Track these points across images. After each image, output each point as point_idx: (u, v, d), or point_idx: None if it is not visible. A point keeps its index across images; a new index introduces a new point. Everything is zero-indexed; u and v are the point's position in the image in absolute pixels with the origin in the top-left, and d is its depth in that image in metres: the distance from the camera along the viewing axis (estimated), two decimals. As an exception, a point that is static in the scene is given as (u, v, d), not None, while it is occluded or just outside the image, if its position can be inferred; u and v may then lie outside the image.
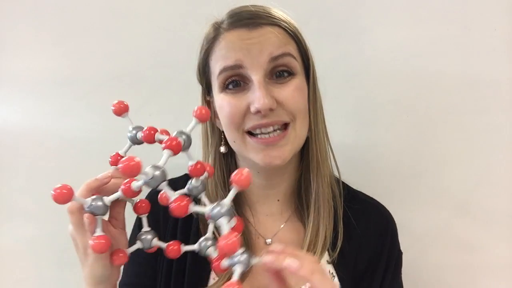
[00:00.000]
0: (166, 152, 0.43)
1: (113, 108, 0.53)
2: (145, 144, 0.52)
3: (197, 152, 0.71)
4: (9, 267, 0.98)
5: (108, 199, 0.47)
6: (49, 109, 0.95)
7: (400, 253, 0.73)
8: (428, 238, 0.91)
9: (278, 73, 0.61)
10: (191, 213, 0.69)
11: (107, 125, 0.92)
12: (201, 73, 0.68)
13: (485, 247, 0.89)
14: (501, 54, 0.86)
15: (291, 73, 0.62)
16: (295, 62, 0.62)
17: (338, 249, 0.66)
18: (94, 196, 0.47)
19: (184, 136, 0.46)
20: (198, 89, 0.74)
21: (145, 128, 0.50)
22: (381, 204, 0.75)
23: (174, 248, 0.52)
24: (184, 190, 0.50)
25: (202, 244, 0.50)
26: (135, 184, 0.44)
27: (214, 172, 0.69)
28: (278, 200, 0.71)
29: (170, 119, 0.92)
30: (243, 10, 0.63)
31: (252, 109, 0.59)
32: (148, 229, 0.53)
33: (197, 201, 0.73)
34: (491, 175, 0.89)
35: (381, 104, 0.92)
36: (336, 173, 0.73)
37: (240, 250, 0.42)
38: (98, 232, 0.47)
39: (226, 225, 0.41)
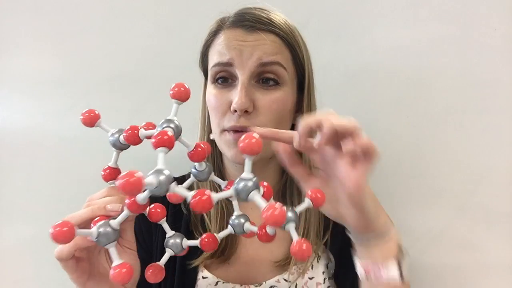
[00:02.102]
0: (161, 151, 0.38)
1: (81, 117, 0.47)
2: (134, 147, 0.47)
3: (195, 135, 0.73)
4: (9, 267, 0.98)
5: (115, 223, 0.41)
6: (49, 109, 0.95)
7: None
8: (428, 238, 0.91)
9: (264, 79, 0.64)
10: (180, 210, 0.70)
11: (107, 125, 0.92)
12: (201, 61, 0.72)
13: (485, 247, 0.89)
14: (501, 54, 0.86)
15: (277, 82, 0.65)
16: (284, 72, 0.65)
17: (328, 234, 0.70)
18: (99, 223, 0.41)
19: (172, 125, 0.41)
20: (198, 89, 0.74)
21: (127, 128, 0.45)
22: None
23: (210, 241, 0.47)
24: (191, 179, 0.48)
25: (236, 222, 0.46)
26: (141, 197, 0.39)
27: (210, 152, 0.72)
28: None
29: (170, 119, 0.92)
30: (247, 12, 0.66)
31: (231, 107, 0.62)
32: (172, 233, 0.48)
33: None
34: (491, 175, 0.89)
35: (381, 104, 0.92)
36: None
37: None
38: (116, 260, 0.40)
39: (259, 198, 0.37)
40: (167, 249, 0.47)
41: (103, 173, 0.49)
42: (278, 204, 0.35)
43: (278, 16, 0.66)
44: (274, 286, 0.68)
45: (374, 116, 0.92)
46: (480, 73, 0.87)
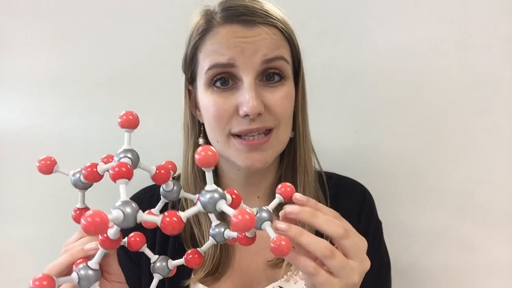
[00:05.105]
0: (121, 183, 0.37)
1: (38, 165, 0.45)
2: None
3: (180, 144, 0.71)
4: (9, 267, 0.98)
5: (93, 263, 0.40)
6: (49, 109, 0.95)
7: (378, 223, 0.74)
8: (428, 238, 0.91)
9: (268, 75, 0.60)
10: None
11: (107, 125, 0.92)
12: (187, 64, 0.66)
13: (485, 247, 0.89)
14: (501, 54, 0.86)
15: (281, 77, 0.61)
16: (287, 66, 0.62)
17: None
18: (79, 266, 0.40)
19: (129, 155, 0.40)
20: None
21: (84, 168, 0.43)
22: (355, 181, 0.77)
23: (196, 257, 0.47)
24: (162, 200, 0.47)
25: (216, 232, 0.45)
26: (111, 232, 0.38)
27: (187, 165, 0.68)
28: (258, 197, 0.72)
29: (170, 119, 0.92)
30: (238, 3, 0.60)
31: (241, 112, 0.58)
32: (156, 257, 0.47)
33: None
34: (491, 175, 0.89)
35: (381, 104, 0.92)
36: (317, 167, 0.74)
37: (255, 210, 0.41)
38: None
39: (226, 207, 0.37)
40: (154, 274, 0.46)
41: (73, 213, 0.48)
42: (246, 209, 0.35)
43: (271, 5, 0.62)
44: None
45: (374, 116, 0.92)
46: (480, 73, 0.87)
